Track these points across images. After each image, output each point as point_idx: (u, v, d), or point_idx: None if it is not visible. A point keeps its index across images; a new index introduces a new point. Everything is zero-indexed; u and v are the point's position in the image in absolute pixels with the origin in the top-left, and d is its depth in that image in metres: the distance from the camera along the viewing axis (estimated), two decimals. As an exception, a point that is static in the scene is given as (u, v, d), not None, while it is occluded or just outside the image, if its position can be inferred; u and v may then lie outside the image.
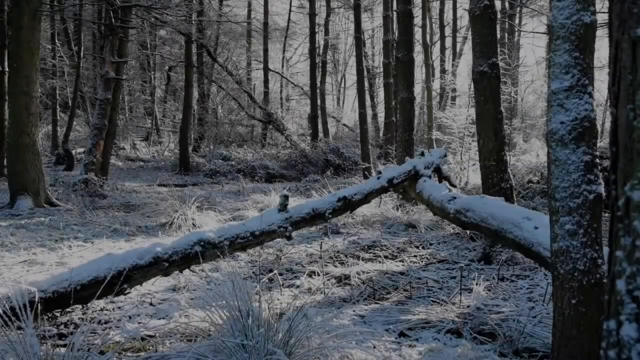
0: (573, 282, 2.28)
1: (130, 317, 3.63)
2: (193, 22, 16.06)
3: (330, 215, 4.95)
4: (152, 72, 25.55)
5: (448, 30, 24.18)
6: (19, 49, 8.30)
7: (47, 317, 3.40)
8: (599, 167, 2.35)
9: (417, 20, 17.58)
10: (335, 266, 5.12)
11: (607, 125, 17.68)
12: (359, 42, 14.96)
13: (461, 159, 10.72)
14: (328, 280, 4.59)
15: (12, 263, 4.94)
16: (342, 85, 36.39)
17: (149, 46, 24.26)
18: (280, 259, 5.37)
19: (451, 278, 4.73)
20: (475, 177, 10.04)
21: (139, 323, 3.49)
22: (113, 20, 11.36)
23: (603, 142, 10.66)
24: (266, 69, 23.07)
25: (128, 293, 3.72)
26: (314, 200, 5.13)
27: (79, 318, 3.56)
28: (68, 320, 3.50)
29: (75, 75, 16.87)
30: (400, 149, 10.01)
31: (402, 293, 4.20)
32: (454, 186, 7.12)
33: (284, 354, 2.44)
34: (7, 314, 2.44)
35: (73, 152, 16.23)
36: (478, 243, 5.84)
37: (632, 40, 1.08)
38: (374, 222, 7.58)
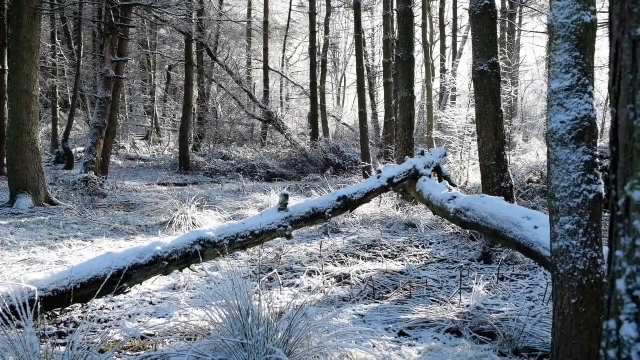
0: (573, 281, 2.28)
1: (130, 316, 3.63)
2: (193, 21, 16.05)
3: (330, 215, 4.96)
4: (152, 71, 25.54)
5: (448, 30, 24.18)
6: (19, 47, 8.30)
7: (47, 315, 3.40)
8: (599, 167, 2.35)
9: (418, 19, 17.57)
10: (335, 265, 5.12)
11: (607, 125, 17.69)
12: (359, 42, 14.96)
13: (461, 158, 10.72)
14: (328, 279, 4.60)
15: (12, 262, 4.94)
16: (343, 84, 36.39)
17: (149, 45, 24.25)
18: (280, 258, 5.37)
19: (451, 277, 4.73)
20: (475, 177, 10.04)
21: (139, 322, 3.49)
22: (113, 19, 11.36)
23: (603, 142, 10.66)
24: (266, 68, 23.06)
25: (128, 292, 3.72)
26: (314, 199, 5.14)
27: (78, 317, 3.56)
28: (68, 319, 3.50)
29: (75, 74, 16.87)
30: (401, 149, 10.01)
31: (402, 292, 4.20)
32: (454, 186, 7.12)
33: (283, 353, 2.44)
34: (7, 312, 2.44)
35: (73, 151, 16.23)
36: (478, 243, 5.84)
37: (633, 40, 1.08)
38: (374, 221, 7.58)
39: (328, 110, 24.79)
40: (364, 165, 13.63)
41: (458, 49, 25.10)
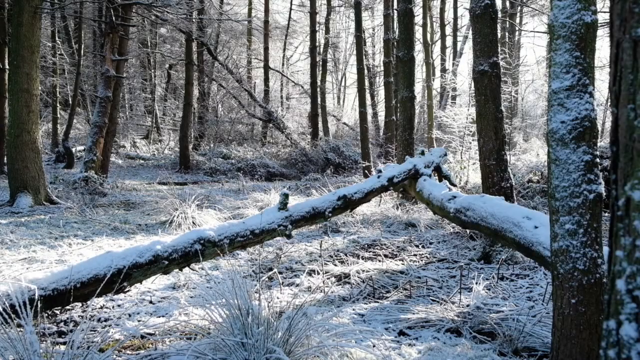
0: (573, 281, 2.28)
1: (130, 315, 3.63)
2: (194, 20, 16.05)
3: (330, 214, 4.95)
4: (153, 70, 25.52)
5: (449, 29, 24.15)
6: (19, 46, 8.30)
7: (46, 314, 3.40)
8: (599, 167, 2.35)
9: (418, 19, 17.56)
10: (335, 265, 5.12)
11: (608, 124, 17.70)
12: (360, 41, 14.94)
13: (461, 158, 10.72)
14: (328, 279, 4.60)
15: (12, 260, 4.94)
16: (343, 83, 36.36)
17: (149, 44, 24.23)
18: (280, 258, 5.37)
19: (451, 277, 4.73)
20: (475, 176, 10.04)
21: (139, 321, 3.49)
22: (113, 18, 11.35)
23: (603, 142, 10.66)
24: (266, 68, 23.04)
25: (128, 291, 3.73)
26: (314, 199, 5.14)
27: (78, 316, 3.56)
28: (68, 318, 3.50)
29: (75, 73, 16.87)
30: (401, 148, 10.00)
31: (401, 292, 4.20)
32: (454, 185, 7.11)
33: (283, 352, 2.45)
34: (7, 311, 2.45)
35: (73, 150, 16.22)
36: (478, 242, 5.84)
37: (633, 39, 1.08)
38: (374, 221, 7.59)
39: (328, 109, 24.78)
40: (364, 165, 13.63)
41: (458, 48, 25.09)
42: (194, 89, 19.07)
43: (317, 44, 20.82)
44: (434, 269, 5.09)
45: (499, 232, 4.05)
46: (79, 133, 21.61)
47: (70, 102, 17.82)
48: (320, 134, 20.26)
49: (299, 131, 22.17)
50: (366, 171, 13.29)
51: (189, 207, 7.16)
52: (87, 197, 9.37)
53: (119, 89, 12.77)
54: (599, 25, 2.58)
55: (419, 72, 27.05)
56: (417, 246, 6.13)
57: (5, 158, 9.91)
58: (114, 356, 2.82)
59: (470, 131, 10.56)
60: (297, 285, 4.40)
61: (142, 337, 3.16)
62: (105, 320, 3.52)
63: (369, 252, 5.80)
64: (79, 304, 3.68)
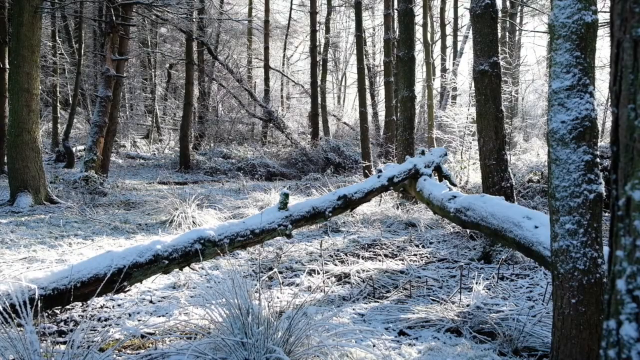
0: (573, 281, 2.28)
1: (130, 315, 3.63)
2: (194, 19, 16.05)
3: (330, 214, 4.96)
4: (153, 70, 25.51)
5: (449, 29, 24.14)
6: (19, 46, 8.30)
7: (47, 314, 3.40)
8: (600, 167, 2.34)
9: (418, 18, 17.56)
10: (335, 264, 5.12)
11: (608, 124, 17.69)
12: (360, 41, 14.94)
13: (461, 157, 10.72)
14: (328, 278, 4.60)
15: (12, 260, 4.94)
16: (343, 83, 36.35)
17: (149, 44, 24.23)
18: (280, 257, 5.37)
19: (451, 277, 4.73)
20: (475, 176, 10.04)
21: (139, 320, 3.50)
22: (114, 17, 11.35)
23: (604, 142, 10.66)
24: (267, 67, 23.04)
25: (128, 291, 3.73)
26: (314, 198, 5.14)
27: (78, 315, 3.56)
28: (68, 318, 3.50)
29: (75, 73, 16.87)
30: (401, 148, 10.00)
31: (402, 292, 4.20)
32: (454, 185, 7.11)
33: (283, 352, 2.45)
34: (7, 311, 2.45)
35: (73, 149, 16.23)
36: (478, 242, 5.84)
37: (634, 39, 1.08)
38: (374, 220, 7.59)
39: (328, 109, 24.79)
40: (364, 164, 13.63)
41: (459, 48, 25.08)
42: (195, 89, 19.07)
43: (318, 43, 20.82)
44: (434, 268, 5.09)
45: (499, 232, 4.05)
46: (79, 132, 21.62)
47: (71, 102, 17.82)
48: (321, 133, 20.26)
49: (299, 131, 22.16)
50: (366, 171, 13.29)
51: (189, 206, 7.16)
52: (87, 196, 9.37)
53: (119, 89, 12.77)
54: (599, 25, 2.58)
55: (419, 72, 27.06)
56: (417, 246, 6.13)
57: (6, 157, 9.91)
58: (114, 356, 2.82)
59: (471, 131, 10.56)
60: (297, 284, 4.40)
61: (142, 336, 3.16)
62: (106, 320, 3.53)
63: (369, 251, 5.80)
64: (79, 304, 3.68)
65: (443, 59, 23.84)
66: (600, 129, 16.09)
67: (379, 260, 5.31)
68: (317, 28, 20.50)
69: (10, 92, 8.53)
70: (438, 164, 6.98)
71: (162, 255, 3.59)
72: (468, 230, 6.05)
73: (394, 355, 2.89)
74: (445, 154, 7.32)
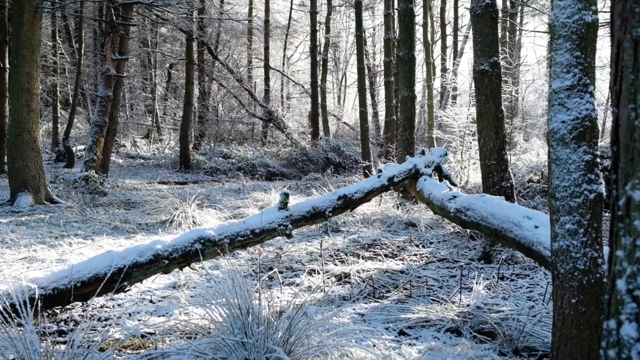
0: (573, 281, 2.28)
1: (130, 315, 3.63)
2: (194, 19, 16.05)
3: (330, 214, 4.95)
4: (153, 70, 25.51)
5: (449, 29, 24.13)
6: (19, 45, 8.30)
7: (47, 314, 3.40)
8: (600, 167, 2.34)
9: (418, 18, 17.56)
10: (336, 264, 5.12)
11: (608, 124, 17.68)
12: (360, 41, 14.94)
13: (462, 157, 10.71)
14: (328, 278, 4.60)
15: (13, 260, 4.94)
16: (343, 83, 36.34)
17: (149, 44, 24.23)
18: (281, 257, 5.37)
19: (451, 277, 4.73)
20: (475, 176, 10.04)
21: (139, 320, 3.50)
22: (114, 17, 11.35)
23: (604, 142, 10.65)
24: (267, 67, 23.03)
25: (128, 290, 3.73)
26: (314, 198, 5.14)
27: (79, 315, 3.56)
28: (68, 317, 3.50)
29: (76, 73, 16.87)
30: (401, 148, 10.00)
31: (402, 292, 4.20)
32: (455, 185, 7.11)
33: (283, 352, 2.45)
34: (7, 310, 2.45)
35: (73, 149, 16.23)
36: (478, 242, 5.84)
37: (634, 39, 1.08)
38: (374, 220, 7.59)
39: (329, 109, 24.78)
40: (364, 164, 13.62)
41: (459, 48, 25.07)
42: (195, 89, 19.07)
43: (318, 43, 20.82)
44: (434, 268, 5.09)
45: (499, 232, 4.05)
46: (80, 132, 21.62)
47: (71, 102, 17.82)
48: (321, 133, 20.26)
49: (299, 131, 22.16)
50: (366, 171, 13.29)
51: (189, 206, 7.16)
52: (87, 196, 9.37)
53: (119, 88, 12.77)
54: (599, 25, 2.58)
55: (420, 72, 27.05)
56: (417, 246, 6.13)
57: (6, 157, 9.91)
58: (114, 355, 2.82)
59: (471, 131, 10.55)
60: (298, 284, 4.40)
61: (143, 336, 3.16)
62: (106, 320, 3.53)
63: (369, 251, 5.80)
64: (80, 303, 3.68)
65: (443, 59, 23.83)
66: (600, 129, 16.09)
67: (379, 260, 5.31)
68: (318, 28, 20.50)
69: (11, 91, 8.53)
70: (438, 163, 6.98)
71: (162, 255, 3.59)
72: (468, 230, 6.05)
73: (394, 355, 2.89)
74: (446, 154, 7.32)
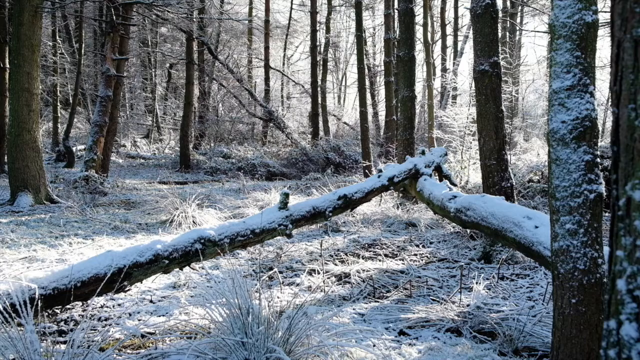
0: (573, 281, 2.28)
1: (130, 315, 3.63)
2: (194, 19, 16.05)
3: (330, 214, 4.95)
4: (153, 70, 25.52)
5: (449, 29, 24.13)
6: (19, 45, 8.30)
7: (47, 313, 3.40)
8: (600, 167, 2.34)
9: (419, 18, 17.55)
10: (336, 264, 5.12)
11: (608, 124, 17.68)
12: (360, 41, 14.94)
13: (462, 157, 10.72)
14: (328, 278, 4.60)
15: (13, 259, 4.94)
16: (343, 83, 36.35)
17: (150, 43, 24.24)
18: (281, 257, 5.37)
19: (451, 277, 4.73)
20: (475, 176, 10.04)
21: (139, 320, 3.50)
22: (114, 17, 11.35)
23: (604, 142, 10.65)
24: (267, 67, 23.03)
25: (128, 290, 3.72)
26: (314, 198, 5.14)
27: (79, 315, 3.56)
28: (68, 317, 3.50)
29: (76, 72, 16.87)
30: (401, 148, 10.01)
31: (402, 292, 4.20)
32: (455, 185, 7.11)
33: (283, 351, 2.45)
34: (7, 310, 2.45)
35: (74, 149, 16.24)
36: (478, 242, 5.84)
37: (634, 39, 1.08)
38: (375, 220, 7.58)
39: (329, 109, 24.78)
40: (364, 164, 13.63)
41: (459, 48, 25.07)
42: (195, 88, 19.07)
43: (318, 43, 20.83)
44: (435, 268, 5.09)
45: (500, 232, 4.05)
46: (80, 132, 21.63)
47: (71, 101, 17.82)
48: (321, 133, 20.26)
49: (299, 130, 22.17)
50: (367, 171, 13.30)
51: (189, 206, 7.16)
52: (87, 196, 9.37)
53: (119, 88, 12.77)
54: (599, 25, 2.58)
55: (420, 72, 27.06)
56: (417, 246, 6.13)
57: (6, 157, 9.91)
58: (114, 355, 2.82)
59: (471, 131, 10.56)
60: (298, 284, 4.40)
61: (143, 336, 3.16)
62: (106, 320, 3.53)
63: (370, 251, 5.80)
64: (80, 303, 3.68)
65: (443, 59, 23.83)
66: (600, 129, 16.10)
67: (379, 260, 5.31)
68: (318, 28, 20.50)
69: (11, 91, 8.53)
70: (438, 163, 6.98)
71: (163, 255, 3.59)
72: (468, 230, 6.05)
73: (394, 355, 2.89)
74: (446, 154, 7.32)
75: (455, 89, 19.80)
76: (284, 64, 28.54)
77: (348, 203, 5.20)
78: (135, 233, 6.58)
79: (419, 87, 24.54)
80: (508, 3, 21.72)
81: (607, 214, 6.01)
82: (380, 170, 6.07)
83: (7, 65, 11.34)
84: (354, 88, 34.49)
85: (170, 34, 23.55)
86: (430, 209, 6.25)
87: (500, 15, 6.30)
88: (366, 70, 19.39)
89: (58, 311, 3.56)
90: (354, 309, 3.73)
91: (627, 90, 1.09)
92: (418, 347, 3.01)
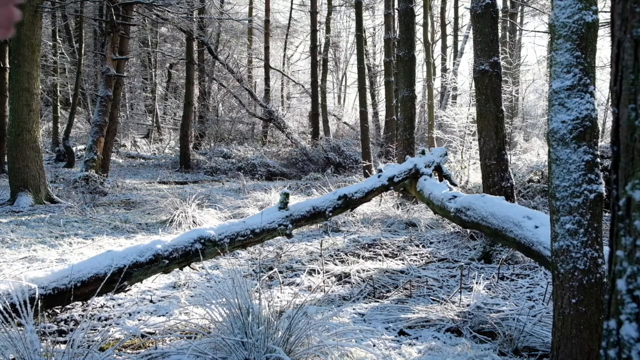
0: (573, 281, 2.28)
1: (130, 314, 3.63)
2: (194, 19, 16.04)
3: (330, 214, 4.95)
4: (153, 70, 25.52)
5: (449, 29, 24.14)
6: (20, 45, 8.30)
7: (47, 313, 3.40)
8: (600, 167, 2.34)
9: (419, 18, 17.55)
10: (336, 264, 5.12)
11: (608, 124, 17.68)
12: (360, 40, 14.94)
13: (462, 157, 10.72)
14: (328, 278, 4.60)
15: (13, 259, 4.94)
16: (343, 83, 36.34)
17: (150, 43, 24.23)
18: (281, 257, 5.37)
19: (451, 277, 4.73)
20: (475, 176, 10.04)
21: (139, 320, 3.50)
22: (114, 17, 11.35)
23: (604, 142, 10.65)
24: (267, 67, 23.03)
25: (128, 290, 3.72)
26: (314, 198, 5.14)
27: (79, 315, 3.56)
28: (68, 317, 3.50)
29: (76, 72, 16.87)
30: (401, 148, 10.01)
31: (402, 291, 4.20)
32: (455, 185, 7.11)
33: (283, 351, 2.45)
34: (7, 310, 2.45)
35: (74, 149, 16.24)
36: (478, 242, 5.84)
37: (634, 39, 1.08)
38: (375, 220, 7.58)
39: (329, 109, 24.79)
40: (364, 164, 13.63)
41: (459, 48, 25.07)
42: (195, 88, 19.08)
43: (318, 43, 20.83)
44: (435, 268, 5.09)
45: (500, 232, 4.05)
46: (80, 132, 21.63)
47: (71, 101, 17.82)
48: (321, 133, 20.26)
49: (299, 130, 22.16)
50: (367, 170, 13.29)
51: (189, 206, 7.16)
52: (87, 196, 9.37)
53: (119, 88, 12.77)
54: (600, 24, 2.58)
55: (420, 72, 27.07)
56: (417, 246, 6.13)
57: (6, 157, 9.91)
58: (115, 355, 2.82)
59: (471, 131, 10.56)
60: (298, 284, 4.40)
61: (143, 336, 3.16)
62: (106, 320, 3.53)
63: (370, 251, 5.80)
64: (80, 303, 3.68)
65: (443, 59, 23.84)
66: (600, 129, 16.09)
67: (379, 260, 5.31)
68: (318, 28, 20.51)
69: (11, 91, 8.53)
70: (438, 163, 6.98)
71: (163, 255, 3.59)
72: (468, 230, 6.05)
73: (394, 355, 2.89)
74: (446, 154, 7.32)
75: (455, 88, 19.81)
76: (284, 63, 28.54)
77: (348, 203, 5.20)
78: (135, 233, 6.58)
79: (419, 87, 24.54)
80: (508, 3, 21.72)
81: (607, 214, 6.01)
82: (380, 170, 6.07)
83: (7, 65, 11.34)
84: (354, 88, 34.51)
85: (170, 34, 23.55)
86: (430, 209, 6.25)
87: (500, 15, 6.30)
88: (366, 70, 19.39)
89: (58, 311, 3.56)
90: (354, 309, 3.73)
91: (627, 90, 1.09)
92: (418, 347, 3.01)
